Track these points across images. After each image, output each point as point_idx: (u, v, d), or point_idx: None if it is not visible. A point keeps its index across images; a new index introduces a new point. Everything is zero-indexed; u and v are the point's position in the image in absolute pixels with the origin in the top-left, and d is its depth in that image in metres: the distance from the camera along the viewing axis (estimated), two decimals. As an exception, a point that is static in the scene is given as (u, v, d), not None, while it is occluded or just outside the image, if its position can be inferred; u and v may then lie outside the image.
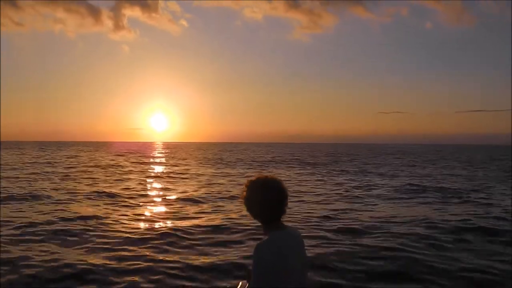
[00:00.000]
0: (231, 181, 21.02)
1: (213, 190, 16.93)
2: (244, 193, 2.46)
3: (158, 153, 68.68)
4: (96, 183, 18.96)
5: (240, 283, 2.84)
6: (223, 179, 22.10)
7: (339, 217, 10.96)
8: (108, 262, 6.68)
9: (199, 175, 24.60)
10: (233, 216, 10.83)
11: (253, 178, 2.47)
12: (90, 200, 13.74)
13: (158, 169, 30.17)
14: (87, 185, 18.20)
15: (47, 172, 24.46)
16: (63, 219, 10.21)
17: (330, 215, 11.11)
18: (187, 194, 15.67)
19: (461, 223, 10.12)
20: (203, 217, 10.91)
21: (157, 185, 19.14)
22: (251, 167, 33.10)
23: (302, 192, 16.50)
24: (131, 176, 23.14)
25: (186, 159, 46.82)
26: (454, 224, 9.94)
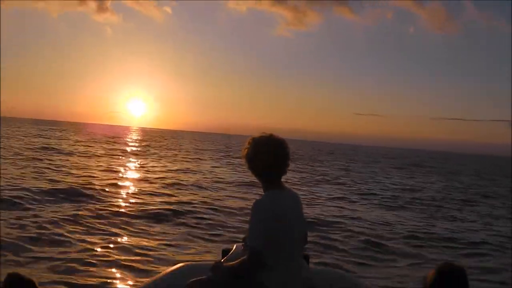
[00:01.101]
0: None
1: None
2: (246, 150, 2.44)
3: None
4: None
5: (235, 245, 2.82)
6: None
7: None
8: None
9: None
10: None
11: (256, 136, 2.45)
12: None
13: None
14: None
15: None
16: None
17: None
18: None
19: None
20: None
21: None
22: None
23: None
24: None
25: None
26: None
